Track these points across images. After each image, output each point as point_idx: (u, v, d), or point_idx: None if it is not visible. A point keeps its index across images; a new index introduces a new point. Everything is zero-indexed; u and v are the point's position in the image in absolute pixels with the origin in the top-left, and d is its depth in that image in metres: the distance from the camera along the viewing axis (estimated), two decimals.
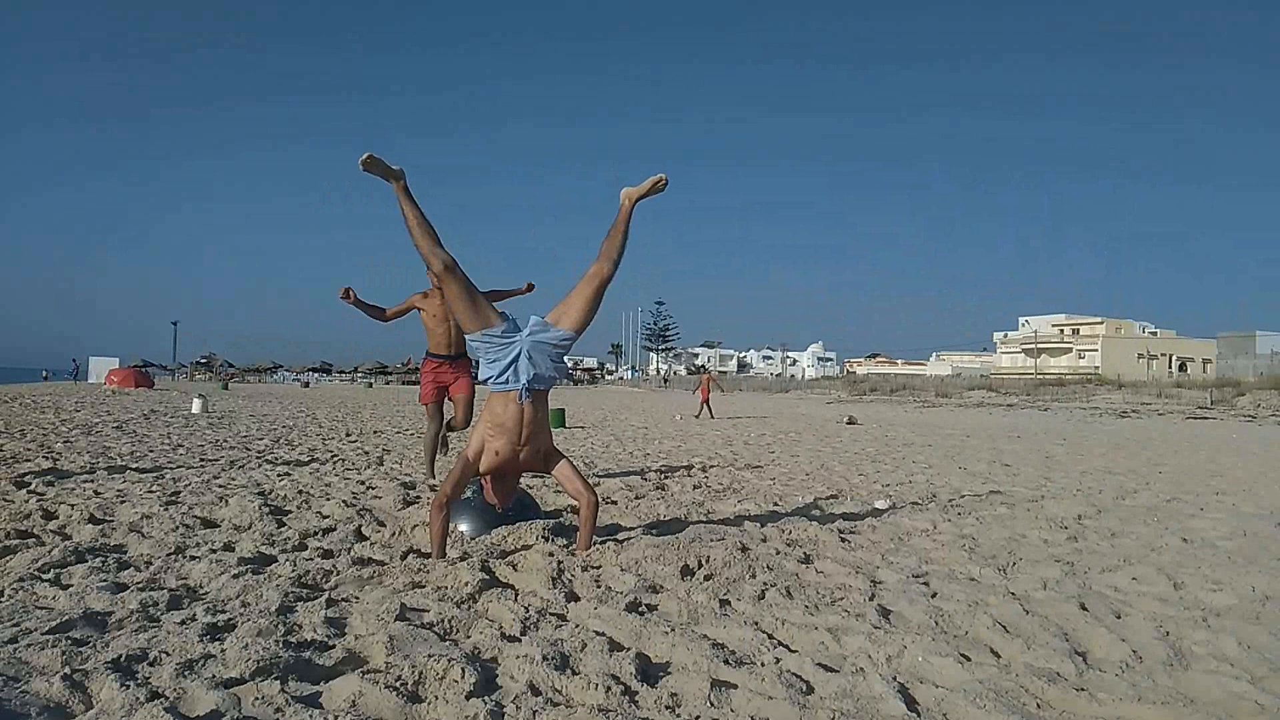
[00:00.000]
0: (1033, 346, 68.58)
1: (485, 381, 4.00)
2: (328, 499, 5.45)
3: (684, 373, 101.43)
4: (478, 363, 4.12)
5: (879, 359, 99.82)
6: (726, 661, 2.55)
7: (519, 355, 3.92)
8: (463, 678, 2.32)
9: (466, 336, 3.99)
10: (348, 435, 11.77)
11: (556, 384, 4.18)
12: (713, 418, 19.85)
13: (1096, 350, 66.32)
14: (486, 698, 2.23)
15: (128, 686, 2.18)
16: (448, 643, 2.64)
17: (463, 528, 4.36)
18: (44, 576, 3.32)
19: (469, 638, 2.72)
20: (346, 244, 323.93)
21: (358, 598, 3.15)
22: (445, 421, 6.70)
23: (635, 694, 2.31)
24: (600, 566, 3.71)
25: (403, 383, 78.50)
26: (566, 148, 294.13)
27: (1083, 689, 2.42)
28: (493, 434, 3.90)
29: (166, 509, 4.83)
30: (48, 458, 7.58)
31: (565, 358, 4.08)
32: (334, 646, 2.59)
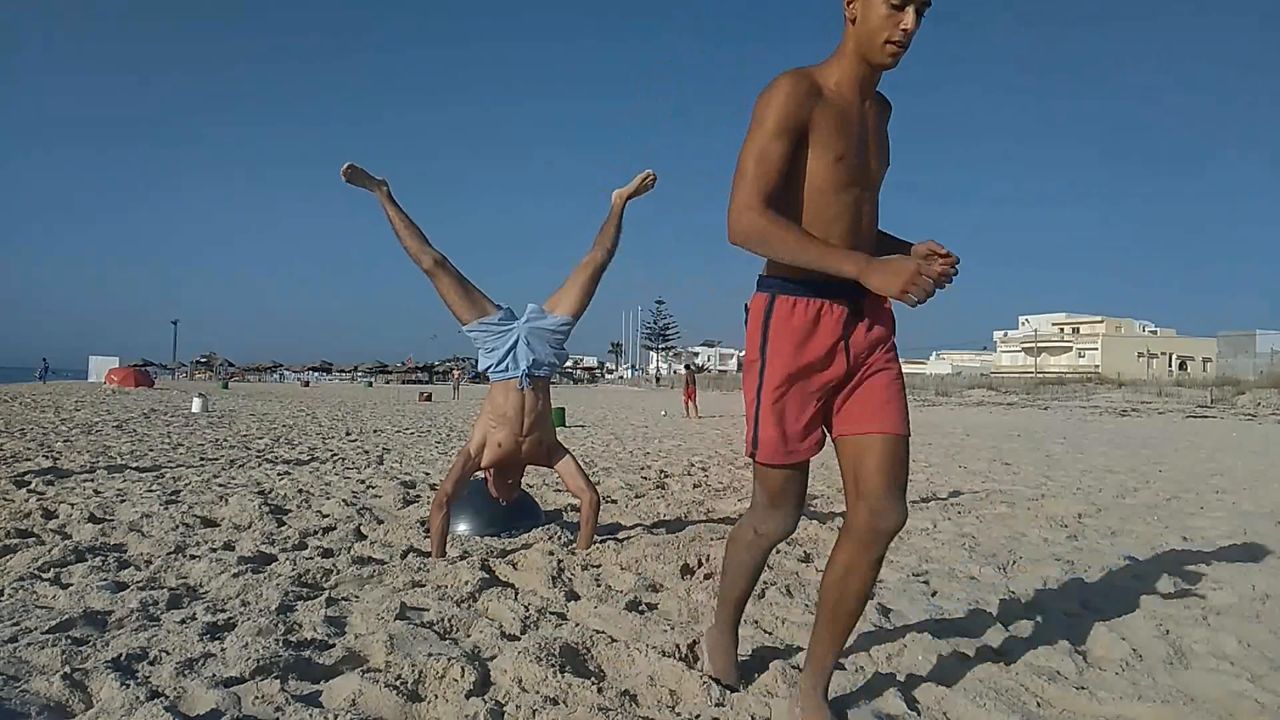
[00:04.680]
0: (1033, 345, 68.58)
1: (485, 371, 4.00)
2: (328, 498, 5.46)
3: (681, 371, 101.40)
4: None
5: None
6: None
7: (517, 342, 3.93)
8: (463, 677, 2.32)
9: (464, 328, 3.99)
10: (348, 434, 11.77)
11: (556, 370, 4.18)
12: (697, 417, 19.81)
13: (1096, 349, 66.28)
14: (486, 696, 2.23)
15: (128, 685, 2.18)
16: (448, 642, 2.64)
17: (462, 527, 4.36)
18: (44, 575, 3.32)
19: (469, 637, 2.72)
20: (347, 243, 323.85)
21: (358, 597, 3.15)
22: None
23: (635, 693, 2.31)
24: (600, 565, 3.71)
25: (403, 382, 78.50)
26: (567, 144, 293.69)
27: (1083, 687, 2.42)
28: (494, 425, 3.90)
29: (166, 508, 4.83)
30: (48, 457, 7.58)
31: (564, 345, 4.09)
32: (334, 646, 2.59)
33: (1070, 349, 69.27)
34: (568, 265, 4.24)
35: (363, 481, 6.42)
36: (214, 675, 2.30)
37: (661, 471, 7.70)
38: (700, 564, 3.75)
